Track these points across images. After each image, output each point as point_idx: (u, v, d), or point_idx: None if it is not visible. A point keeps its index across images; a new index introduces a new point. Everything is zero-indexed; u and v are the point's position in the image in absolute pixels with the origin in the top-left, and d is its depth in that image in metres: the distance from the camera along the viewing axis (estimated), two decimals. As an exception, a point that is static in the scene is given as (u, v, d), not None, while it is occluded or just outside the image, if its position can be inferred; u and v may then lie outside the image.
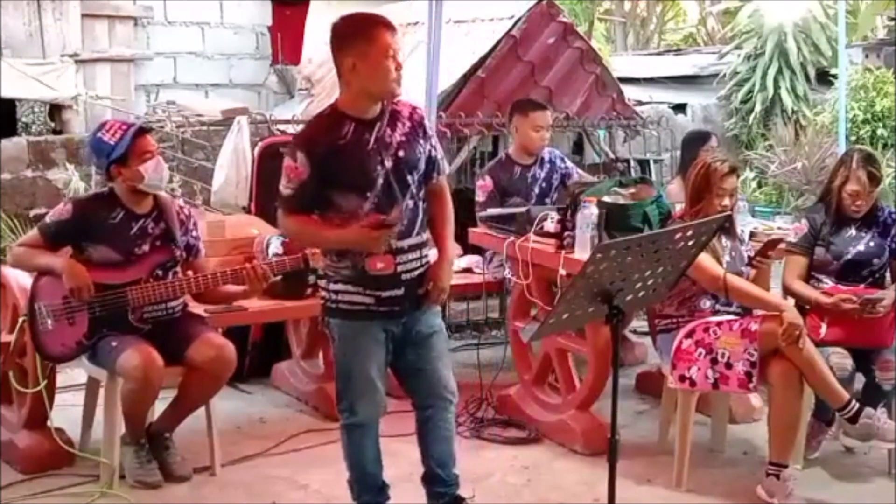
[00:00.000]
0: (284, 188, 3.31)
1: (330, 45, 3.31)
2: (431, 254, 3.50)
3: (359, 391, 3.43)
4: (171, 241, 4.12)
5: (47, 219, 4.11)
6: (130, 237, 4.03)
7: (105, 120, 4.30)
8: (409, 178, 3.36)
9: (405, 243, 3.36)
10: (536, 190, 5.47)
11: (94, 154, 4.12)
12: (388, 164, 3.31)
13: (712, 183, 4.06)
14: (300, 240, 3.59)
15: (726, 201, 4.06)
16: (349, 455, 3.57)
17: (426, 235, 3.46)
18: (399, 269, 3.35)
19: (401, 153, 3.34)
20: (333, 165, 3.26)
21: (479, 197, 5.39)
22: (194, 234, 4.25)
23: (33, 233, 4.13)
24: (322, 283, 3.46)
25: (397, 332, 3.43)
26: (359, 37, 3.23)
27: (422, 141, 3.42)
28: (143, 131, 4.08)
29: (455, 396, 3.60)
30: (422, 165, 3.41)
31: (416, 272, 3.41)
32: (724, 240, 4.12)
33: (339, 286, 3.37)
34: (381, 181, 3.30)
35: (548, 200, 5.36)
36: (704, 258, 3.84)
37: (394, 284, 3.36)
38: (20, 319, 4.09)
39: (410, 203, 3.37)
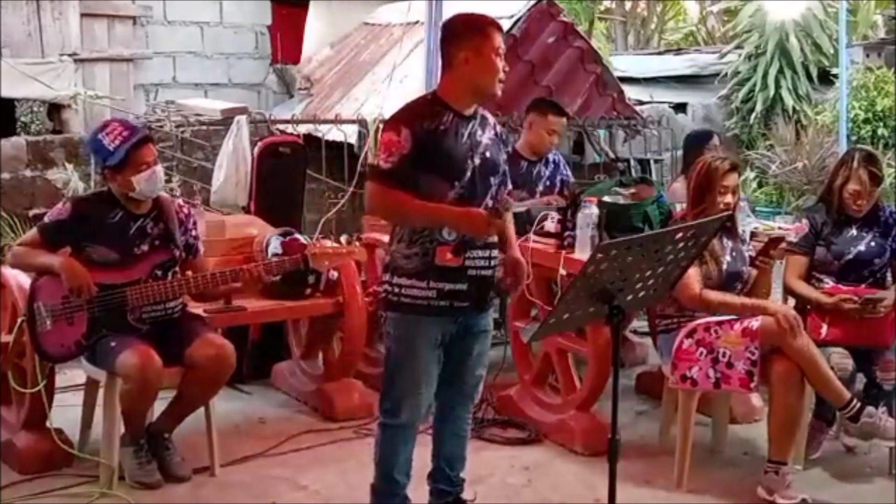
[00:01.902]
0: (384, 162, 3.33)
1: (441, 39, 3.50)
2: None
3: (405, 392, 3.43)
4: (171, 241, 4.10)
5: (46, 218, 4.10)
6: (129, 237, 4.02)
7: (109, 119, 4.26)
8: (490, 178, 3.45)
9: (477, 240, 3.40)
10: (540, 187, 5.48)
11: (92, 152, 4.11)
12: (476, 160, 3.41)
13: (714, 181, 4.05)
14: (395, 215, 3.45)
15: (728, 199, 4.05)
16: (380, 456, 3.55)
17: (495, 238, 3.50)
18: (467, 263, 3.39)
19: (487, 154, 3.45)
20: (430, 148, 3.33)
21: None
22: (193, 233, 4.24)
23: (32, 233, 4.12)
24: (385, 276, 3.47)
25: (453, 332, 3.46)
26: (475, 33, 3.40)
27: (502, 151, 3.57)
28: (144, 141, 4.04)
29: (478, 397, 3.71)
30: (501, 171, 3.51)
31: (483, 271, 3.44)
32: (724, 239, 4.11)
33: (403, 280, 3.39)
34: (468, 174, 3.38)
35: (549, 200, 5.36)
36: (689, 273, 3.80)
37: (459, 278, 3.39)
38: (19, 319, 4.09)
39: (490, 203, 3.43)
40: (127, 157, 3.95)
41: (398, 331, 3.44)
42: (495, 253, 3.50)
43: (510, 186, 3.65)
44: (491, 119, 3.56)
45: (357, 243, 4.11)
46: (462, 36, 3.41)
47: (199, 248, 4.27)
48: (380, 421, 3.54)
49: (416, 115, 3.38)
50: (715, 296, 3.99)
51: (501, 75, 3.42)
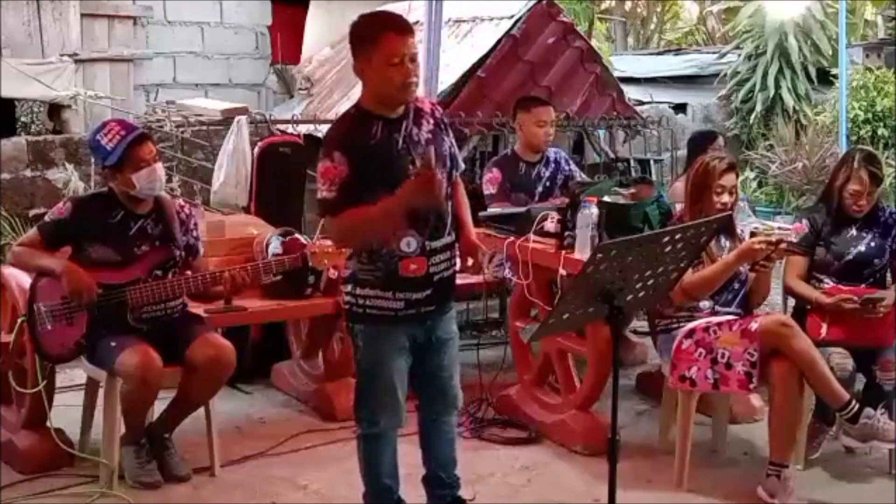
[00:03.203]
0: (327, 192, 3.18)
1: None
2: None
3: (380, 400, 3.38)
4: (171, 241, 4.11)
5: (46, 218, 4.10)
6: (130, 237, 4.03)
7: (107, 120, 4.27)
8: (437, 174, 3.29)
9: (437, 244, 3.32)
10: (540, 188, 5.48)
11: (92, 153, 4.12)
12: (419, 163, 3.24)
13: (711, 180, 4.06)
14: (357, 235, 3.28)
15: (725, 198, 4.06)
16: (365, 465, 3.51)
17: (454, 237, 3.42)
18: (431, 269, 3.31)
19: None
20: (366, 166, 3.19)
21: (490, 189, 5.37)
22: (194, 234, 4.24)
23: (32, 232, 4.12)
24: (347, 287, 3.37)
25: (420, 337, 3.40)
26: (366, 41, 3.19)
27: (445, 138, 3.40)
28: (141, 138, 4.02)
29: (461, 403, 3.62)
30: (446, 162, 3.37)
31: (446, 273, 3.38)
32: (723, 240, 4.12)
33: (368, 290, 3.31)
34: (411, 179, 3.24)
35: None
36: None
37: (424, 286, 3.32)
38: (19, 319, 4.09)
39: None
40: (125, 155, 3.95)
41: (367, 342, 3.37)
42: (455, 252, 3.42)
43: (462, 167, 3.52)
44: (427, 106, 3.37)
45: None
46: (357, 44, 3.21)
47: (200, 249, 4.28)
48: (358, 433, 3.48)
49: (345, 134, 3.24)
50: (692, 276, 3.94)
51: (411, 79, 3.17)
